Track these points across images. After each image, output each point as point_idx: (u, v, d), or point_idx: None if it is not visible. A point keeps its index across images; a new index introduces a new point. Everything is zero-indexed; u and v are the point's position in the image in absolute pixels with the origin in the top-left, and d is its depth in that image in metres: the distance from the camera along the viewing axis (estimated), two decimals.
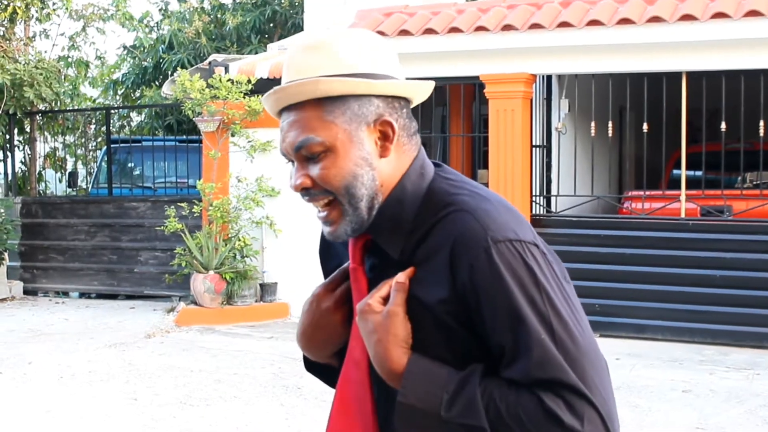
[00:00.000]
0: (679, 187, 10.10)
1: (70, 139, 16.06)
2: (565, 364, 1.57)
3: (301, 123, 1.68)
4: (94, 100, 18.98)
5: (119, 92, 19.40)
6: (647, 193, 10.52)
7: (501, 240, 1.60)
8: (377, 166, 1.69)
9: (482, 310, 1.61)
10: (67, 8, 15.85)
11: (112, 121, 15.70)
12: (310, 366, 1.98)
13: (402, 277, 1.66)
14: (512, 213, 1.67)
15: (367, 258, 1.77)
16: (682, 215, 9.94)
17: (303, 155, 1.69)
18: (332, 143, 1.66)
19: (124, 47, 19.30)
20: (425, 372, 1.63)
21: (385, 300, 1.67)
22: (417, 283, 1.67)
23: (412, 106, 1.79)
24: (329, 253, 1.94)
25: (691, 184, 10.25)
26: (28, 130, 14.69)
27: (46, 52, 15.67)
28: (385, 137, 1.70)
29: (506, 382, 1.60)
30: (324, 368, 1.93)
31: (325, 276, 1.94)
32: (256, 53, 15.18)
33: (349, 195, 1.67)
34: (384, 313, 1.65)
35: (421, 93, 1.78)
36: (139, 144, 14.83)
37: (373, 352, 1.66)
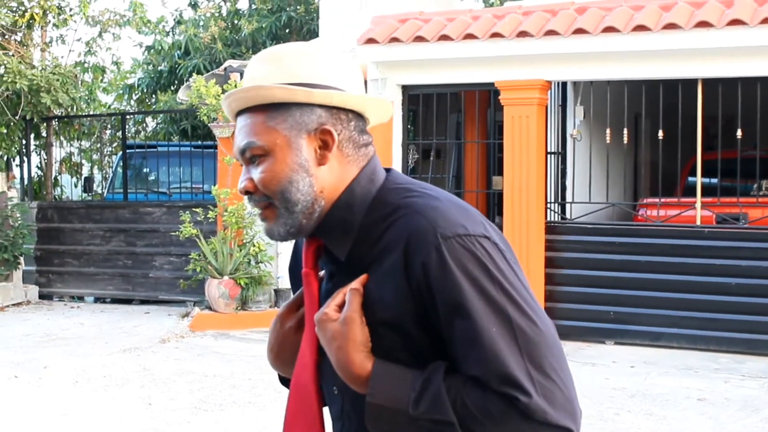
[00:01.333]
0: (694, 195, 10.07)
1: (85, 144, 16.12)
2: (519, 357, 1.61)
3: (247, 128, 1.76)
4: (108, 106, 19.05)
5: (134, 97, 19.47)
6: (662, 200, 10.50)
7: (450, 236, 1.64)
8: (315, 173, 1.74)
9: (437, 308, 1.65)
10: (83, 14, 15.91)
11: (127, 126, 15.75)
12: (284, 381, 2.03)
13: (356, 283, 1.71)
14: (461, 208, 1.71)
15: (324, 266, 1.82)
16: (698, 223, 9.91)
17: (247, 158, 1.77)
18: (271, 148, 1.73)
19: (141, 46, 19.36)
20: (390, 373, 1.67)
21: (341, 307, 1.71)
22: (372, 286, 1.71)
23: (371, 125, 1.84)
24: (297, 272, 1.96)
25: (707, 191, 10.21)
26: (44, 135, 14.76)
27: (62, 57, 15.73)
28: (325, 146, 1.75)
29: (468, 378, 1.63)
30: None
31: (294, 291, 1.98)
32: None
33: (285, 199, 1.73)
34: (341, 319, 1.69)
35: (373, 108, 1.81)
36: (155, 149, 14.88)
37: (335, 359, 1.70)
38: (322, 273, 1.84)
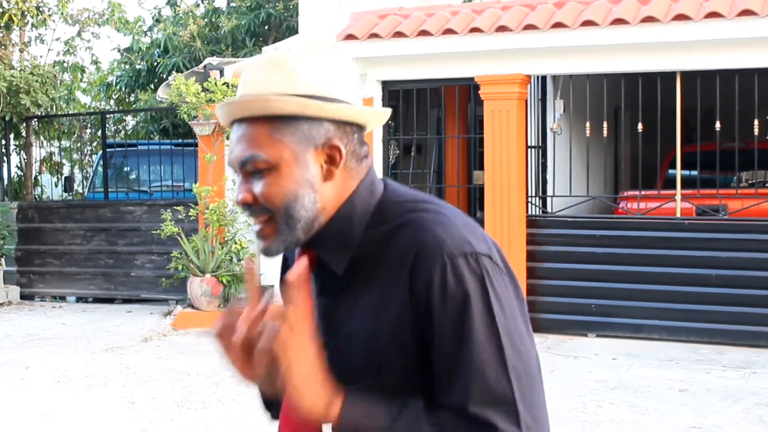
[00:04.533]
0: (674, 187, 10.11)
1: (65, 143, 16.06)
2: (508, 388, 1.57)
3: (249, 138, 1.67)
4: (87, 106, 18.97)
5: (113, 96, 19.39)
6: (643, 192, 10.53)
7: (456, 255, 1.60)
8: (319, 190, 1.68)
9: (433, 326, 1.61)
10: (62, 13, 15.85)
11: (107, 125, 15.68)
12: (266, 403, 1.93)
13: (293, 275, 1.57)
14: (467, 225, 1.68)
15: (317, 279, 1.75)
16: (678, 215, 9.95)
17: (248, 170, 1.68)
18: (277, 162, 1.66)
19: (119, 50, 19.30)
20: (362, 400, 1.60)
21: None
22: (370, 302, 1.66)
23: (367, 131, 1.79)
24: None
25: (687, 183, 10.26)
26: (24, 135, 14.69)
27: (41, 57, 15.69)
28: (331, 161, 1.69)
29: (446, 410, 1.59)
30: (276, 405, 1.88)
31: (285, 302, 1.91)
32: (251, 56, 15.18)
33: (287, 216, 1.67)
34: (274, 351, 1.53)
35: (375, 120, 1.78)
36: (135, 148, 14.83)
37: (292, 393, 1.56)
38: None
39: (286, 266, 1.93)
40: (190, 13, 18.60)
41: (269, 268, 11.24)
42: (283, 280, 1.86)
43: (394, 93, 10.95)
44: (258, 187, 1.67)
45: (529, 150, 10.59)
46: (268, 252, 1.72)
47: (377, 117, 1.78)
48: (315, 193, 1.67)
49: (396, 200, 1.73)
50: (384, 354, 1.64)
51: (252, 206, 1.69)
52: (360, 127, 1.74)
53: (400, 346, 1.63)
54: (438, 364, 1.61)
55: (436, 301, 1.59)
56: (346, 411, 1.58)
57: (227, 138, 11.29)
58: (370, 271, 1.67)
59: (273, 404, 1.87)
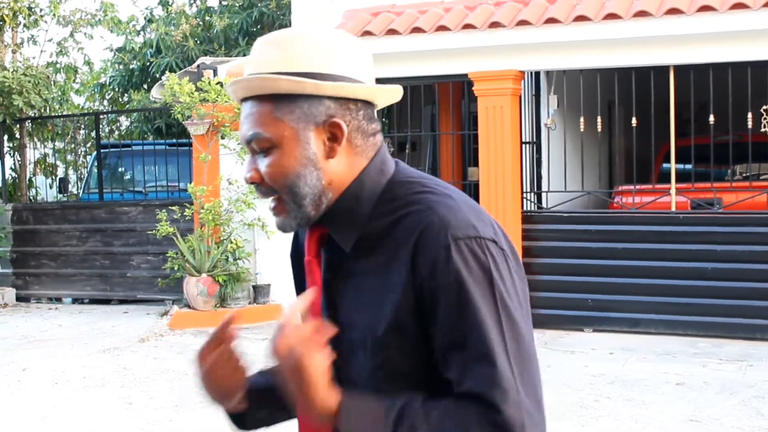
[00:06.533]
0: (669, 181, 10.12)
1: (59, 144, 16.04)
2: (509, 369, 1.58)
3: (254, 117, 1.70)
4: (81, 108, 18.95)
5: (106, 96, 19.36)
6: (637, 187, 10.54)
7: (460, 237, 1.61)
8: (323, 167, 1.69)
9: (437, 308, 1.61)
10: (54, 14, 15.82)
11: (101, 125, 15.66)
12: (234, 418, 1.96)
13: (303, 300, 1.63)
14: (473, 209, 1.68)
15: (325, 254, 1.77)
16: (673, 209, 9.97)
17: (253, 148, 1.71)
18: (279, 140, 1.68)
19: (111, 50, 19.27)
20: (361, 405, 1.61)
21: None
22: (373, 282, 1.68)
23: (379, 108, 1.79)
24: (298, 258, 1.93)
25: (681, 177, 10.27)
26: (17, 136, 14.67)
27: (34, 58, 15.64)
28: (333, 138, 1.70)
29: (448, 401, 1.59)
30: (239, 417, 1.92)
31: (296, 278, 1.94)
32: (244, 55, 15.17)
33: (292, 193, 1.69)
34: (295, 353, 1.57)
35: (383, 97, 1.77)
36: (129, 148, 14.82)
37: (298, 395, 1.61)
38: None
39: (297, 242, 1.94)
40: (183, 13, 18.58)
41: (264, 268, 11.24)
42: (294, 255, 1.94)
43: None
44: (263, 165, 1.70)
45: (523, 146, 10.59)
46: (283, 228, 1.75)
47: (386, 94, 1.77)
48: (318, 171, 1.69)
49: (405, 180, 1.74)
50: (382, 332, 1.65)
51: (259, 185, 1.72)
52: (367, 103, 1.74)
53: (398, 324, 1.64)
54: (440, 343, 1.62)
55: (440, 281, 1.60)
56: (345, 407, 1.59)
57: (222, 137, 11.29)
58: (376, 248, 1.69)
59: (239, 416, 1.93)
